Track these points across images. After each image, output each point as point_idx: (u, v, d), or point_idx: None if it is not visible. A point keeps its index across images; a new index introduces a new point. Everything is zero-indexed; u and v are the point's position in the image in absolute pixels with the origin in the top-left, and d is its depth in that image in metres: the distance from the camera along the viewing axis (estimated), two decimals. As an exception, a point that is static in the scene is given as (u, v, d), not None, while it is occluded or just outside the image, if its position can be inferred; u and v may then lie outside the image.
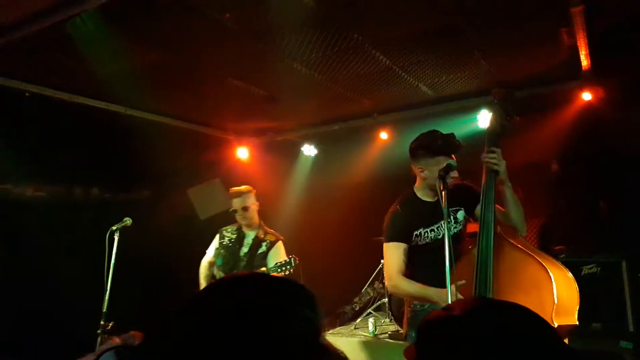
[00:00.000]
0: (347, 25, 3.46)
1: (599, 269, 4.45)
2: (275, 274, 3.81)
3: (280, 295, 0.81)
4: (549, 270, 2.03)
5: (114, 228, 3.69)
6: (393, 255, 2.75)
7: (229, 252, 4.06)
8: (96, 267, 3.63)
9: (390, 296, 5.26)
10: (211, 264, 4.15)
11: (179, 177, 4.98)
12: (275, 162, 6.64)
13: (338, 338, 5.09)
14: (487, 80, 4.62)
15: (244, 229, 4.13)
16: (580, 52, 4.04)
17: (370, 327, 5.08)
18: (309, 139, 6.61)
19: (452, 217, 2.76)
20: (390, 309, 5.34)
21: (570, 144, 5.14)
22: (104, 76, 3.88)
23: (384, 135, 6.05)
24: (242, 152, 6.41)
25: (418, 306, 2.80)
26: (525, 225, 2.51)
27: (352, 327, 5.38)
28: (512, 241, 2.23)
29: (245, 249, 4.04)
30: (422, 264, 2.78)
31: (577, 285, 2.09)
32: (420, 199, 2.82)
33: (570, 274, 2.10)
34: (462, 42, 3.83)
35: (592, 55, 4.11)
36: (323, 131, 6.22)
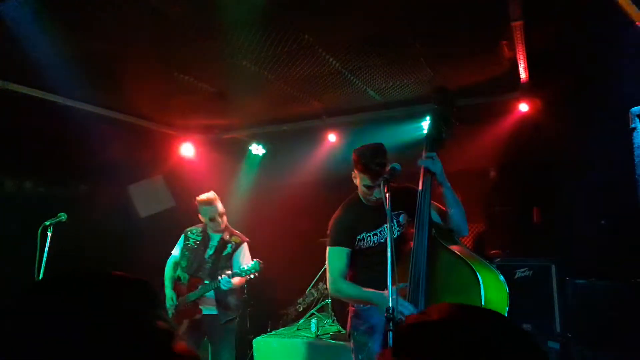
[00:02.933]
0: (298, 25, 3.46)
1: (531, 272, 4.66)
2: (240, 277, 3.83)
3: (122, 297, 0.78)
4: (477, 274, 2.10)
5: (47, 223, 3.54)
6: (335, 259, 2.78)
7: (194, 254, 4.05)
8: (27, 265, 3.45)
9: (333, 297, 5.30)
10: (177, 265, 4.14)
11: (118, 172, 4.80)
12: (222, 161, 6.54)
13: (280, 339, 5.07)
14: (433, 87, 4.75)
15: (210, 231, 4.14)
16: (519, 65, 4.24)
17: (313, 328, 5.09)
18: (257, 138, 6.56)
19: (394, 221, 2.82)
20: (333, 310, 5.38)
21: (507, 153, 5.39)
22: (40, 63, 3.68)
23: (332, 137, 6.10)
24: (187, 149, 6.26)
25: (361, 306, 2.84)
26: (467, 225, 2.59)
27: (295, 329, 5.37)
28: (445, 244, 2.30)
29: (210, 251, 4.06)
30: (365, 267, 2.82)
31: (507, 289, 2.18)
32: (364, 203, 2.86)
33: (501, 278, 2.19)
34: (408, 50, 3.93)
35: (530, 67, 4.32)
36: (272, 131, 6.19)
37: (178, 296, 4.01)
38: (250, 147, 6.59)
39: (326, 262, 2.85)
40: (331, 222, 2.89)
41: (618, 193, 3.80)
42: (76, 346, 0.70)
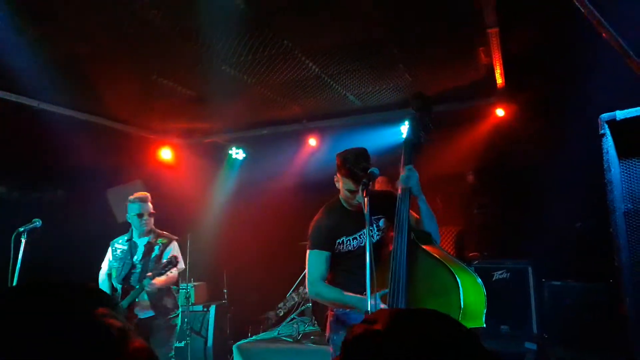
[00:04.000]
0: (278, 30, 3.47)
1: (508, 274, 4.73)
2: (159, 278, 3.79)
3: (74, 300, 0.79)
4: (457, 277, 2.13)
5: (21, 230, 3.46)
6: (315, 262, 2.79)
7: (122, 263, 4.03)
8: (0, 270, 3.37)
9: (314, 301, 5.30)
10: (109, 277, 4.13)
11: (95, 176, 4.73)
12: (201, 165, 6.50)
13: (261, 344, 5.05)
14: (411, 93, 4.80)
15: (135, 238, 4.10)
16: (495, 70, 4.32)
17: (294, 332, 5.08)
18: (237, 142, 6.54)
19: (374, 225, 2.84)
20: (313, 314, 5.38)
21: (484, 157, 5.48)
22: (14, 67, 3.61)
23: (312, 141, 6.11)
24: (166, 153, 6.21)
25: (340, 310, 2.85)
26: (439, 236, 2.63)
27: (276, 333, 5.36)
28: (425, 247, 2.33)
29: (138, 256, 4.03)
30: (345, 271, 2.83)
31: (485, 291, 2.21)
32: (345, 207, 2.87)
33: (479, 280, 2.22)
34: (387, 55, 3.98)
35: (506, 73, 4.41)
36: (252, 135, 6.18)
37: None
38: (230, 152, 6.56)
39: (306, 265, 2.85)
40: (311, 226, 2.89)
41: (592, 196, 3.89)
42: (32, 344, 0.71)
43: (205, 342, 5.39)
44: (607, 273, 4.11)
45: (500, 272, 4.74)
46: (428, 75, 4.48)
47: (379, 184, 4.35)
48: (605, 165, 2.58)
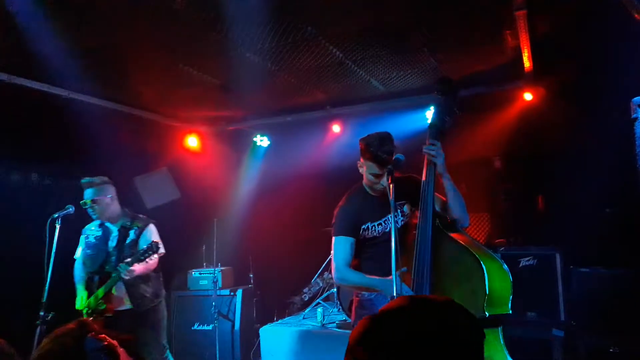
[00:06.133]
0: (301, 16, 3.46)
1: (535, 261, 4.67)
2: (138, 265, 3.62)
3: None
4: (482, 263, 2.13)
5: (55, 216, 3.54)
6: (340, 248, 2.81)
7: (96, 250, 3.88)
8: (35, 257, 3.49)
9: (339, 287, 5.34)
10: (84, 265, 3.97)
11: (124, 164, 4.83)
12: (227, 152, 6.57)
13: (286, 328, 5.13)
14: (436, 77, 4.74)
15: (107, 223, 3.94)
16: (523, 54, 4.22)
17: (319, 317, 5.14)
18: (261, 129, 6.57)
19: (398, 211, 2.84)
20: (338, 299, 5.42)
21: (512, 142, 5.38)
22: (44, 57, 3.69)
23: (336, 128, 6.11)
24: (192, 141, 6.30)
25: (365, 295, 2.87)
26: (467, 216, 2.61)
27: (301, 318, 5.43)
28: (449, 233, 2.33)
29: (112, 243, 3.88)
30: (370, 256, 2.85)
31: (511, 277, 2.20)
32: (368, 193, 2.88)
33: (505, 266, 2.21)
34: (412, 39, 3.92)
35: (534, 56, 4.30)
36: (276, 122, 6.21)
37: (89, 295, 3.80)
38: (254, 139, 6.61)
39: (331, 251, 2.88)
40: (336, 212, 2.91)
41: (622, 182, 3.81)
42: None
43: (233, 326, 5.49)
44: (637, 260, 4.04)
45: (527, 258, 4.68)
46: (453, 59, 4.41)
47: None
48: (637, 150, 2.52)
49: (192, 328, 5.52)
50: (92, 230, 3.99)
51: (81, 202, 3.82)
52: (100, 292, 3.73)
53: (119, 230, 3.90)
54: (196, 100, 5.43)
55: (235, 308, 5.56)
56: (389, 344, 0.83)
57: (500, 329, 2.15)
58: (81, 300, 3.82)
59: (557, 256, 4.57)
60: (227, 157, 6.57)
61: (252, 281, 5.98)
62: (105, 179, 3.95)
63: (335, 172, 5.31)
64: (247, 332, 5.55)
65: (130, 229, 3.90)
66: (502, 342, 2.13)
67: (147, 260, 3.65)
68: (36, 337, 3.24)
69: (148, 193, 5.38)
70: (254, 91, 5.10)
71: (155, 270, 3.97)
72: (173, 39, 3.75)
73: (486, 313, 2.08)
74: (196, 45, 3.87)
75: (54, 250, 3.46)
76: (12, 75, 4.13)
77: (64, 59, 3.77)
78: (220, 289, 5.48)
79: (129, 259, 3.62)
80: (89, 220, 4.03)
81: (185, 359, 5.36)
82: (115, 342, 0.97)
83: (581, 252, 4.54)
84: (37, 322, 3.28)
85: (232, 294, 5.61)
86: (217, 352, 5.17)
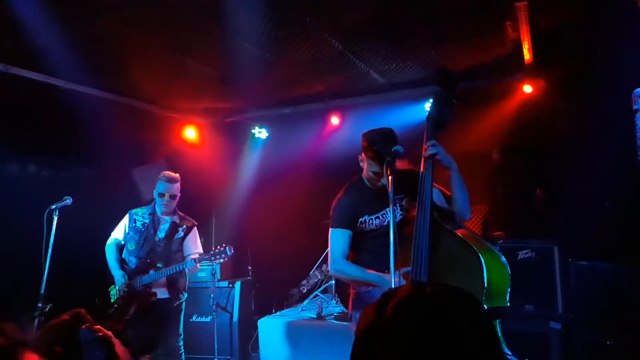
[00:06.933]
0: (300, 8, 3.43)
1: (533, 254, 4.67)
2: (198, 264, 3.85)
3: None
4: (480, 256, 2.12)
5: (53, 207, 3.55)
6: (337, 240, 2.80)
7: (143, 237, 3.99)
8: (33, 248, 3.48)
9: (337, 279, 5.34)
10: (120, 247, 4.08)
11: (121, 155, 4.81)
12: (225, 144, 6.54)
13: (284, 320, 5.13)
14: (435, 69, 4.72)
15: (160, 214, 4.09)
16: (523, 46, 4.20)
17: (317, 309, 5.15)
18: (259, 121, 6.55)
19: (397, 205, 2.83)
20: (336, 292, 5.42)
21: (511, 135, 5.37)
22: (41, 47, 3.66)
23: (335, 120, 6.09)
24: (190, 133, 6.28)
25: (362, 288, 2.87)
26: (470, 209, 2.60)
27: (299, 310, 5.43)
28: (447, 227, 2.31)
29: (161, 234, 4.02)
30: (368, 249, 2.84)
31: (509, 270, 2.19)
32: (367, 185, 2.86)
33: (503, 259, 2.20)
34: (411, 31, 3.90)
35: (534, 49, 4.28)
36: (274, 114, 6.18)
37: (129, 278, 3.93)
38: (252, 131, 6.59)
39: (328, 243, 2.87)
40: (334, 204, 2.89)
41: (621, 175, 3.80)
42: None
43: (231, 317, 5.50)
44: (635, 254, 4.04)
45: (525, 251, 4.68)
46: (453, 51, 4.39)
47: (400, 164, 4.31)
48: (638, 143, 2.50)
49: (191, 320, 5.51)
50: (140, 216, 4.08)
51: (158, 192, 4.00)
52: (145, 279, 3.88)
53: (169, 225, 4.05)
54: (194, 92, 5.40)
55: (233, 300, 5.56)
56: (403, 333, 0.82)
57: (498, 321, 2.15)
58: (122, 278, 3.92)
59: (555, 249, 4.57)
60: (225, 149, 6.55)
61: (250, 273, 5.98)
62: (179, 176, 4.14)
63: (334, 164, 5.30)
64: (245, 324, 5.56)
65: (179, 226, 4.07)
66: (499, 335, 2.13)
67: (216, 261, 3.88)
68: (34, 329, 3.24)
69: (146, 184, 5.36)
70: (253, 83, 5.07)
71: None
72: (172, 29, 3.73)
73: (484, 306, 2.08)
74: (195, 36, 3.85)
75: (51, 241, 3.46)
76: (9, 65, 4.10)
77: (62, 49, 3.74)
78: (219, 280, 5.47)
79: (196, 256, 3.85)
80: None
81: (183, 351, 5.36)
82: (109, 333, 0.96)
83: (580, 246, 4.54)
84: (35, 313, 3.29)
85: (230, 286, 5.61)
86: (216, 343, 5.17)
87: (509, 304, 2.18)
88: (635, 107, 2.43)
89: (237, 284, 5.61)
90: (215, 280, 5.37)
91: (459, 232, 2.28)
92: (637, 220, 4.09)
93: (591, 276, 4.34)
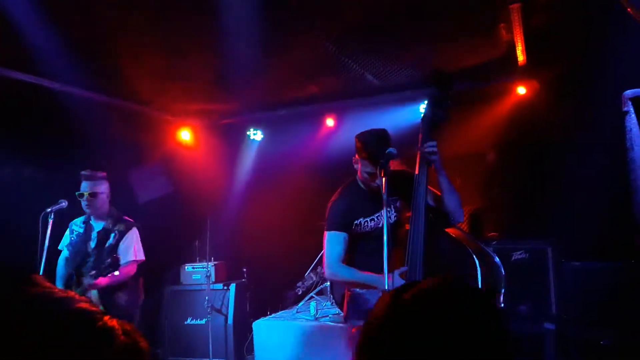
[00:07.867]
0: (295, 9, 3.43)
1: (527, 255, 4.70)
2: (103, 278, 3.44)
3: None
4: (474, 257, 2.14)
5: (48, 210, 3.52)
6: (332, 243, 2.80)
7: (76, 249, 3.72)
8: (27, 251, 3.46)
9: (332, 281, 5.35)
10: (67, 261, 3.78)
11: (116, 158, 4.80)
12: (220, 146, 6.54)
13: (280, 322, 5.13)
14: (430, 71, 4.74)
15: (92, 221, 3.78)
16: (516, 47, 4.22)
17: (312, 311, 5.15)
18: (254, 123, 6.55)
19: (392, 206, 2.84)
20: (331, 293, 5.43)
21: (505, 136, 5.39)
22: (34, 49, 3.65)
23: (330, 122, 6.10)
24: (185, 135, 6.27)
25: (357, 290, 2.87)
26: (462, 211, 2.62)
27: (294, 312, 5.43)
28: (442, 228, 2.33)
29: (92, 243, 3.71)
30: (363, 251, 2.85)
31: (503, 271, 2.21)
32: (362, 188, 2.87)
33: (497, 260, 2.22)
34: (406, 33, 3.91)
35: (528, 50, 4.31)
36: (269, 116, 6.19)
37: None
38: (248, 133, 6.59)
39: (323, 246, 2.88)
40: (328, 207, 2.90)
41: (614, 175, 3.83)
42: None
43: (226, 320, 5.49)
44: (628, 253, 4.07)
45: (519, 252, 4.70)
46: (447, 52, 4.41)
47: (394, 165, 4.33)
48: (628, 144, 2.53)
49: (185, 322, 5.51)
50: (76, 226, 3.84)
51: (77, 192, 3.68)
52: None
53: (98, 233, 3.74)
54: (189, 94, 5.39)
55: (228, 302, 5.55)
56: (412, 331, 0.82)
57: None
58: None
59: (549, 250, 4.60)
60: (221, 151, 6.55)
61: (245, 275, 5.97)
62: (105, 174, 3.82)
63: (329, 166, 5.31)
64: (240, 326, 5.55)
65: (111, 231, 3.72)
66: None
67: (114, 272, 3.48)
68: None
69: (141, 187, 5.35)
70: (248, 85, 5.08)
71: (134, 277, 3.78)
72: (165, 30, 3.72)
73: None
74: (189, 38, 3.84)
75: (46, 245, 3.44)
76: (2, 67, 4.08)
77: (55, 51, 3.73)
78: (214, 283, 5.47)
79: (93, 272, 3.40)
80: (82, 214, 3.98)
81: (178, 354, 5.36)
82: None
83: (573, 246, 4.57)
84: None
85: (225, 288, 5.60)
86: (210, 346, 5.17)
87: (503, 305, 2.20)
88: (625, 109, 2.46)
89: (232, 286, 5.60)
90: (210, 282, 5.37)
91: (453, 233, 2.30)
92: (629, 221, 4.11)
93: (585, 277, 4.37)
